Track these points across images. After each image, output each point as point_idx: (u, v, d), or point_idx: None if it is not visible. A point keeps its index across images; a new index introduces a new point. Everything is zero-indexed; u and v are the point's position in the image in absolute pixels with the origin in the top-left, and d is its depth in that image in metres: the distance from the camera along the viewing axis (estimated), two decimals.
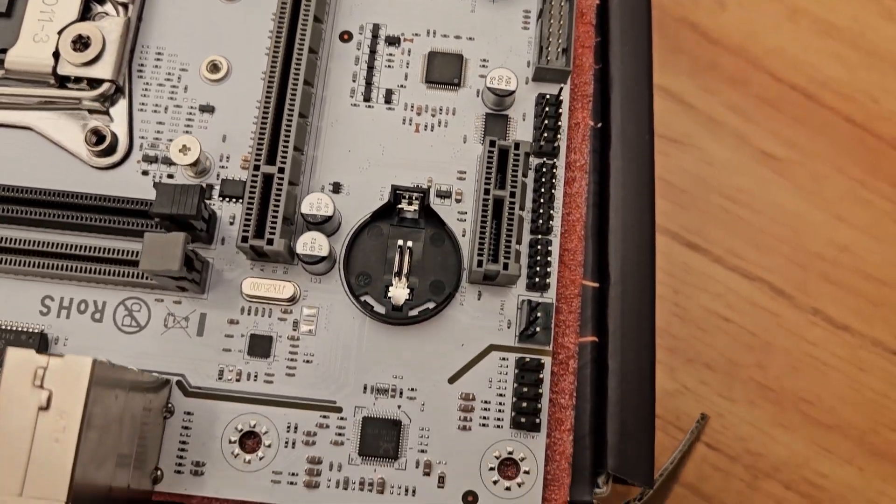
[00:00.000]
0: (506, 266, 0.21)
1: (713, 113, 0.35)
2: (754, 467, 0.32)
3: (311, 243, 0.22)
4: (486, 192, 0.22)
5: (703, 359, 0.33)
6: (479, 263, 0.21)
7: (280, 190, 0.22)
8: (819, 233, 0.34)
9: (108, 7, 0.24)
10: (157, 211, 0.20)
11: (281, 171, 0.22)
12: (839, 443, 0.32)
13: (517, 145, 0.22)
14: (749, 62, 0.36)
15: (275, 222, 0.21)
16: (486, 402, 0.22)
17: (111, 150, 0.23)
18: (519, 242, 0.22)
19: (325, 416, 0.22)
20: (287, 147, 0.22)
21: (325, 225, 0.22)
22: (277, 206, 0.21)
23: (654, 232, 0.25)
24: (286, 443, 0.22)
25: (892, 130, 0.35)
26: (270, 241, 0.21)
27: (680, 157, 0.34)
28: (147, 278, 0.22)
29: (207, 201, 0.23)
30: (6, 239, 0.22)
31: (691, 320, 0.33)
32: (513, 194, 0.22)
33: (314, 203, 0.22)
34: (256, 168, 0.22)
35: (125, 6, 0.24)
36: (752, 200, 0.34)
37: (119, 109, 0.24)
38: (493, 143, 0.22)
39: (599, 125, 0.25)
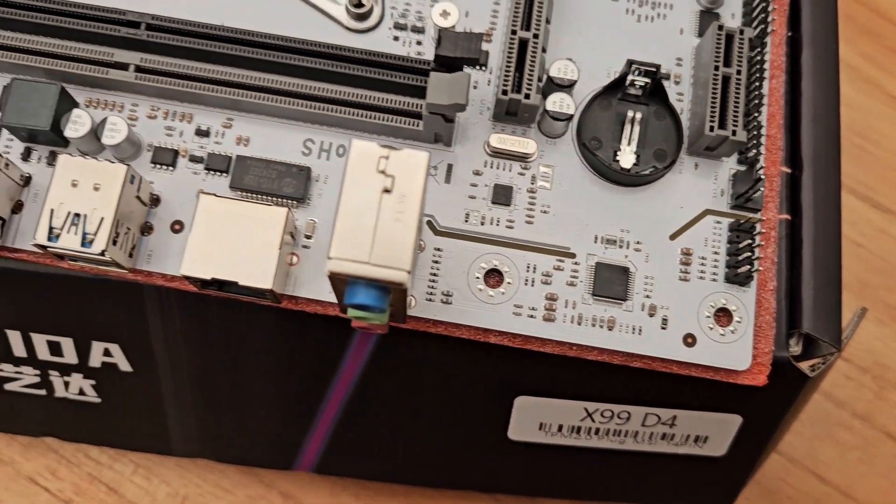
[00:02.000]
0: (734, 132, 0.24)
1: (850, 61, 0.38)
2: (882, 378, 0.34)
3: (560, 102, 0.24)
4: (716, 67, 0.24)
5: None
6: (711, 129, 0.24)
7: (535, 52, 0.24)
8: None
9: None
10: (442, 53, 0.23)
11: (535, 36, 0.24)
12: None
13: (741, 31, 0.25)
14: (882, 17, 0.38)
15: (531, 80, 0.24)
16: (702, 257, 0.25)
17: (367, 15, 0.26)
18: (742, 117, 0.24)
19: (560, 261, 0.24)
20: (540, 16, 0.24)
21: (569, 88, 0.25)
22: (533, 66, 0.24)
23: (840, 125, 0.27)
24: (526, 281, 0.24)
25: None
26: (528, 96, 0.24)
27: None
28: (409, 124, 0.24)
29: None
30: (273, 81, 0.25)
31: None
32: (738, 72, 0.24)
33: (562, 67, 0.24)
34: (514, 32, 0.24)
35: None
36: (883, 140, 0.37)
37: None
38: (720, 27, 0.25)
39: (790, 34, 0.28)
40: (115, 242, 0.22)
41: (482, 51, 0.23)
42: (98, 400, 0.28)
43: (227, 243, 0.22)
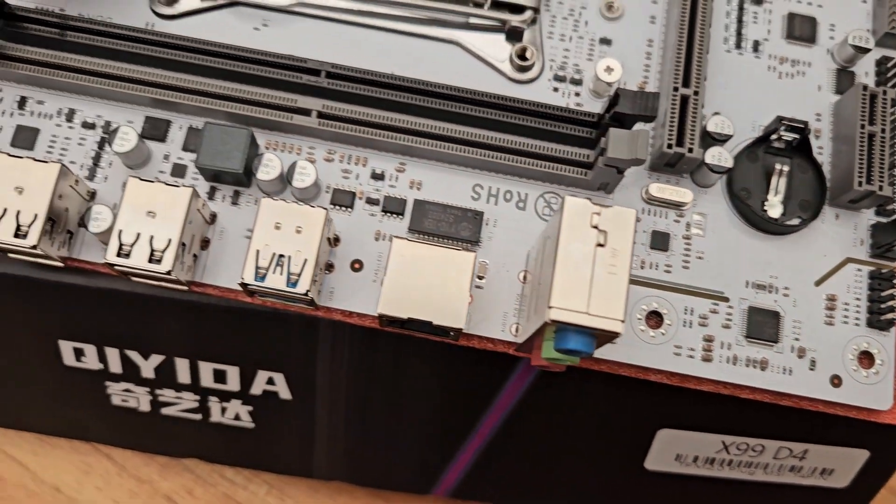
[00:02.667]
0: (880, 187, 0.26)
1: None
2: None
3: (718, 156, 0.26)
4: (862, 126, 0.26)
5: None
6: (860, 183, 0.26)
7: (696, 108, 0.26)
8: None
9: None
10: (621, 111, 0.24)
11: (696, 93, 0.26)
12: None
13: (884, 91, 0.26)
14: None
15: (693, 135, 0.25)
16: (845, 303, 0.26)
17: (529, 67, 0.27)
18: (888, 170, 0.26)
19: (715, 304, 0.26)
20: (700, 74, 0.26)
21: (724, 142, 0.26)
22: (694, 121, 0.25)
23: None
24: (684, 323, 0.26)
25: None
26: (691, 150, 0.25)
27: None
28: (575, 173, 0.26)
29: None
30: (443, 129, 0.26)
31: None
32: (883, 130, 0.26)
33: (719, 123, 0.26)
34: (676, 89, 0.26)
35: None
36: None
37: (529, 35, 0.28)
38: (864, 88, 0.26)
39: None
40: (314, 282, 0.23)
41: (655, 105, 0.24)
42: (252, 425, 0.30)
43: (419, 285, 0.23)
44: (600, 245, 0.20)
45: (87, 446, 0.33)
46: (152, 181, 0.23)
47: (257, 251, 0.23)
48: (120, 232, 0.23)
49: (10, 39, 0.26)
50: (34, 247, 0.23)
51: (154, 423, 0.30)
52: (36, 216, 0.23)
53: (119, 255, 0.23)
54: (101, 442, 0.32)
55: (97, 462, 0.33)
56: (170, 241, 0.23)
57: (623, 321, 0.20)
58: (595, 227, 0.21)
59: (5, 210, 0.23)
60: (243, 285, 0.23)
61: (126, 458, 0.33)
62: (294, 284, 0.23)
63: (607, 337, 0.20)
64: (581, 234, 0.20)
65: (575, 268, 0.20)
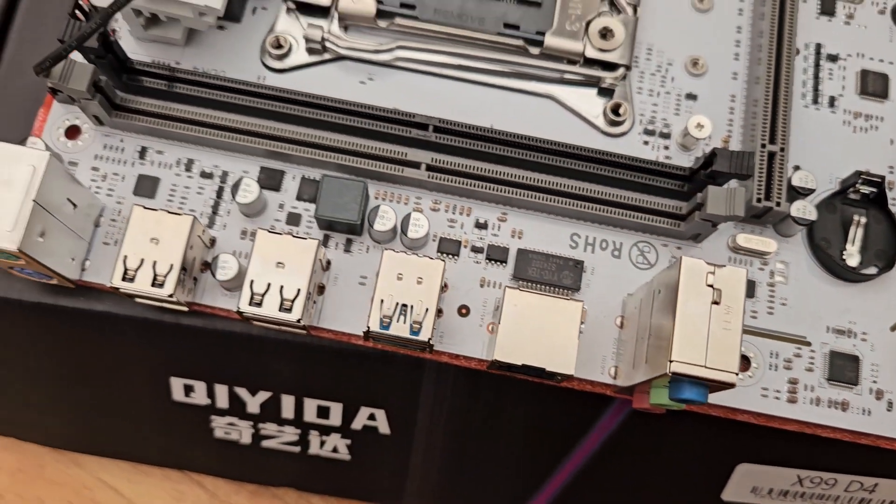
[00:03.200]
0: None
1: None
2: None
3: (804, 209, 0.27)
4: None
5: None
6: None
7: (782, 163, 0.27)
8: None
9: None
10: (718, 169, 0.26)
11: (782, 149, 0.27)
12: None
13: None
14: None
15: (780, 190, 0.27)
16: None
17: (622, 122, 0.29)
18: None
19: (798, 348, 0.27)
20: (785, 132, 0.28)
21: (807, 196, 0.28)
22: (781, 175, 0.27)
23: None
24: (770, 366, 0.27)
25: None
26: (779, 204, 0.27)
27: None
28: (669, 224, 0.27)
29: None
30: (542, 181, 0.28)
31: None
32: None
33: (803, 178, 0.28)
34: (763, 146, 0.27)
35: (634, 7, 0.29)
36: None
37: (620, 90, 0.29)
38: None
39: None
40: (434, 329, 0.25)
41: (752, 165, 0.26)
42: (348, 457, 0.31)
43: (531, 332, 0.24)
44: (715, 303, 0.22)
45: (179, 474, 0.34)
46: (280, 234, 0.25)
47: (381, 300, 0.24)
48: (252, 282, 0.24)
49: (131, 92, 0.28)
50: (170, 296, 0.24)
51: (253, 454, 0.31)
52: (171, 266, 0.24)
53: (251, 303, 0.24)
54: (198, 471, 0.34)
55: (189, 489, 0.34)
56: (299, 290, 0.24)
57: (737, 373, 0.22)
58: (710, 286, 0.22)
59: (142, 260, 0.24)
60: (367, 333, 0.24)
61: (217, 485, 0.34)
62: (416, 332, 0.24)
63: (721, 387, 0.22)
64: (697, 292, 0.22)
65: (692, 323, 0.22)
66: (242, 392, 0.29)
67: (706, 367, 0.22)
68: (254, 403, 0.30)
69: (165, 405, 0.30)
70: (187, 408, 0.30)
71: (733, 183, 0.27)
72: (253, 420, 0.30)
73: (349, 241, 0.27)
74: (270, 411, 0.30)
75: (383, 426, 0.30)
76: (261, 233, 0.25)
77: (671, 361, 0.22)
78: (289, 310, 0.24)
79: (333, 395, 0.29)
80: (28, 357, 0.29)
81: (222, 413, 0.30)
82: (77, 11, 0.27)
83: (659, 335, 0.23)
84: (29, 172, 0.23)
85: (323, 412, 0.30)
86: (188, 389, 0.29)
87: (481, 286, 0.27)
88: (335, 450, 0.31)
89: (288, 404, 0.29)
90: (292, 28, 0.29)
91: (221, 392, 0.29)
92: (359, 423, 0.30)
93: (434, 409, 0.29)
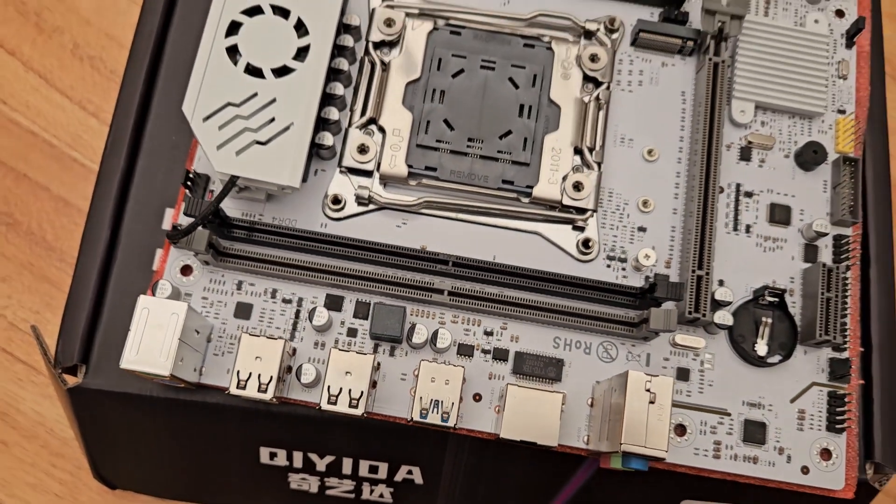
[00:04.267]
0: (834, 337, 0.37)
1: None
2: None
3: (724, 316, 0.37)
4: (822, 293, 0.38)
5: None
6: (821, 335, 0.37)
7: (708, 284, 0.37)
8: None
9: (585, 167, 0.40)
10: (657, 295, 0.36)
11: (707, 273, 0.37)
12: None
13: (837, 267, 0.38)
14: None
15: (706, 304, 0.37)
16: (811, 415, 0.38)
17: (591, 251, 0.39)
18: (842, 332, 0.38)
19: (721, 418, 0.37)
20: (710, 257, 0.38)
21: (727, 306, 0.38)
22: (706, 293, 0.37)
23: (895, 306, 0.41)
24: (700, 431, 0.37)
25: None
26: (705, 315, 0.37)
27: None
28: (629, 331, 0.37)
29: None
30: (533, 301, 0.38)
31: None
32: (836, 296, 0.38)
33: (723, 293, 0.38)
34: (693, 271, 0.37)
35: (599, 164, 0.39)
36: None
37: (590, 226, 0.39)
38: (824, 265, 0.38)
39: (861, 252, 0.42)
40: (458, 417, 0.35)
41: (680, 293, 0.36)
42: (391, 501, 0.41)
43: (526, 416, 0.35)
44: (651, 402, 0.32)
45: None
46: (347, 350, 0.35)
47: (420, 398, 0.35)
48: (328, 387, 0.34)
49: (227, 239, 0.38)
50: (272, 399, 0.34)
51: (319, 500, 0.41)
52: (271, 378, 0.35)
53: (329, 403, 0.34)
54: None
55: None
56: (362, 392, 0.34)
57: (667, 451, 0.32)
58: (648, 391, 0.32)
59: (250, 374, 0.34)
60: (410, 420, 0.35)
61: None
62: (446, 420, 0.34)
63: (656, 459, 0.32)
64: (639, 395, 0.32)
65: (636, 416, 0.32)
66: (314, 456, 0.39)
67: (645, 447, 0.32)
68: (321, 464, 0.40)
69: (253, 466, 0.40)
70: (271, 468, 0.40)
71: (671, 303, 0.37)
72: (320, 476, 0.40)
73: (393, 348, 0.37)
74: (334, 469, 0.40)
75: (418, 478, 0.40)
76: (334, 351, 0.35)
77: (622, 444, 0.32)
78: (356, 406, 0.34)
79: (381, 458, 0.39)
80: (159, 436, 0.39)
81: (297, 471, 0.40)
82: (189, 182, 0.37)
83: (615, 421, 0.33)
84: (175, 319, 0.33)
85: (373, 469, 0.40)
86: (272, 455, 0.40)
87: (489, 378, 0.37)
88: (381, 496, 0.41)
89: (347, 464, 0.40)
90: (345, 186, 0.39)
91: (298, 456, 0.39)
92: (399, 476, 0.40)
93: (455, 467, 0.39)
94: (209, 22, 0.37)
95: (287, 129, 0.36)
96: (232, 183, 0.36)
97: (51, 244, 0.48)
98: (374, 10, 0.41)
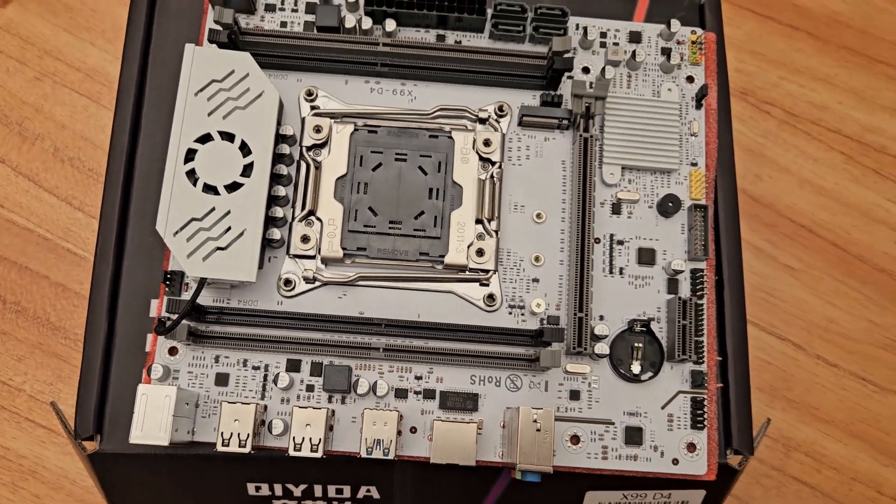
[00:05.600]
0: (690, 356, 0.47)
1: (757, 243, 0.61)
2: (786, 445, 0.58)
3: (602, 348, 0.47)
4: (679, 320, 0.48)
5: (757, 384, 0.59)
6: (678, 355, 0.47)
7: (588, 322, 0.47)
8: (819, 311, 0.60)
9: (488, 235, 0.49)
10: (545, 339, 0.45)
11: (587, 315, 0.47)
12: (836, 433, 0.58)
13: (691, 299, 0.48)
14: (776, 212, 0.62)
15: (586, 339, 0.47)
16: (678, 417, 0.48)
17: (495, 303, 0.48)
18: (699, 357, 0.47)
19: (607, 427, 0.47)
20: (590, 302, 0.47)
21: (605, 338, 0.48)
22: (587, 330, 0.47)
23: (746, 333, 0.51)
24: (591, 439, 0.47)
25: (860, 251, 0.61)
26: (586, 349, 0.47)
27: None
28: (528, 366, 0.47)
29: None
30: (451, 349, 0.47)
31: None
32: (690, 323, 0.48)
33: (601, 328, 0.47)
34: (576, 314, 0.47)
35: (496, 231, 0.49)
36: (781, 294, 0.61)
37: (493, 281, 0.49)
38: (680, 298, 0.48)
39: (716, 278, 0.51)
40: (398, 448, 0.45)
41: (564, 336, 0.46)
42: None
43: (450, 443, 0.44)
44: (538, 430, 0.42)
45: None
46: (305, 407, 0.45)
47: (366, 438, 0.44)
48: (293, 437, 0.44)
49: (203, 322, 0.47)
50: (250, 451, 0.44)
51: None
52: (248, 434, 0.44)
53: (295, 449, 0.44)
54: None
55: None
56: (321, 439, 0.44)
57: (552, 467, 0.42)
58: (535, 421, 0.42)
59: (232, 433, 0.44)
60: (360, 455, 0.44)
61: None
62: (387, 454, 0.44)
63: (545, 474, 0.42)
64: (529, 425, 0.42)
65: (528, 442, 0.42)
66: (290, 486, 0.49)
67: (535, 465, 0.42)
68: (297, 491, 0.50)
69: (244, 498, 0.50)
70: (258, 498, 0.50)
71: (557, 344, 0.47)
72: (298, 500, 0.50)
73: (343, 398, 0.47)
74: (308, 494, 0.50)
75: (375, 494, 0.50)
76: (296, 409, 0.44)
77: (517, 463, 0.42)
78: (316, 451, 0.44)
79: (344, 482, 0.49)
80: (165, 484, 0.49)
81: (279, 498, 0.50)
82: (167, 280, 0.46)
83: (514, 443, 0.43)
84: (168, 401, 0.43)
85: (339, 490, 0.50)
86: (257, 488, 0.49)
87: (422, 414, 0.47)
88: None
89: (318, 489, 0.49)
90: (294, 269, 0.48)
91: (278, 487, 0.49)
92: (361, 494, 0.50)
93: (403, 483, 0.49)
94: (170, 152, 0.46)
95: (241, 234, 0.46)
96: (202, 284, 0.45)
97: (55, 325, 0.58)
98: (304, 118, 0.50)
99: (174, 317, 0.45)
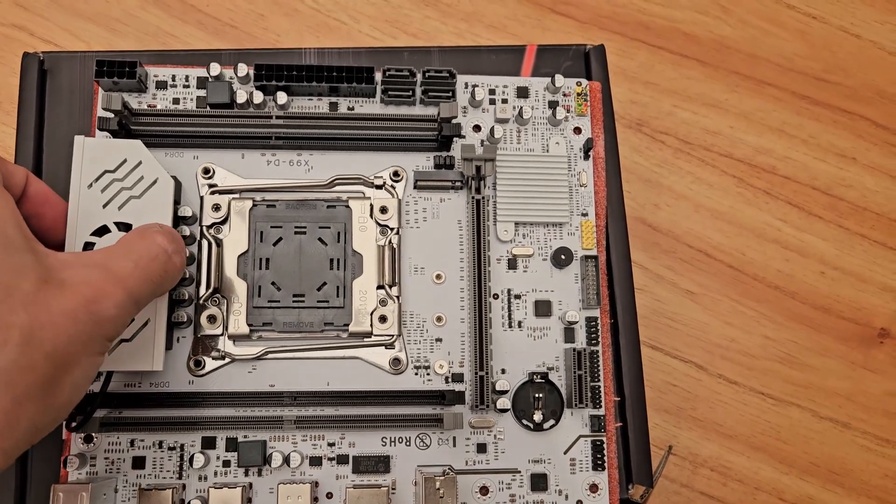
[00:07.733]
0: (587, 404, 0.50)
1: (658, 271, 0.64)
2: (693, 462, 0.62)
3: (505, 402, 0.50)
4: (575, 371, 0.50)
5: (663, 406, 0.62)
6: (576, 403, 0.50)
7: (488, 379, 0.49)
8: (718, 332, 0.63)
9: (391, 299, 0.51)
10: (447, 402, 0.48)
11: (487, 373, 0.49)
12: (739, 446, 0.62)
13: (585, 349, 0.50)
14: (674, 239, 0.65)
15: (488, 396, 0.49)
16: (580, 460, 0.51)
17: (400, 366, 0.51)
18: (597, 403, 0.50)
19: (513, 476, 0.50)
20: (490, 360, 0.50)
21: (506, 393, 0.50)
22: (489, 387, 0.49)
23: (642, 368, 0.54)
24: (499, 489, 0.50)
25: (754, 271, 0.65)
26: (488, 404, 0.49)
27: (640, 297, 0.63)
28: (434, 423, 0.49)
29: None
30: (361, 415, 0.49)
31: (655, 387, 0.62)
32: (586, 371, 0.50)
33: (503, 383, 0.50)
34: (477, 373, 0.49)
35: (398, 297, 0.51)
36: (677, 317, 0.64)
37: (398, 344, 0.51)
38: (574, 349, 0.50)
39: (612, 321, 0.54)
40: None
41: (464, 398, 0.48)
42: None
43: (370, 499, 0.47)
44: (441, 497, 0.44)
45: None
46: (220, 488, 0.46)
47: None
48: None
49: (117, 408, 0.48)
50: None
51: None
52: None
53: None
54: None
55: None
56: None
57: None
58: (438, 488, 0.45)
59: None
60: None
61: None
62: None
63: None
64: (433, 491, 0.44)
65: (433, 499, 0.44)
66: None
67: None
68: None
69: None
70: None
71: (459, 406, 0.49)
72: None
73: (259, 470, 0.49)
74: None
75: None
76: (212, 490, 0.46)
77: None
78: None
79: None
80: None
81: None
82: None
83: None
84: (83, 497, 0.44)
85: None
86: None
87: (336, 479, 0.49)
88: None
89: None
90: (203, 347, 0.50)
91: None
92: None
93: None
94: (67, 246, 0.47)
95: (145, 324, 0.47)
96: (109, 377, 0.46)
97: None
98: (202, 197, 0.51)
99: (87, 410, 0.46)
